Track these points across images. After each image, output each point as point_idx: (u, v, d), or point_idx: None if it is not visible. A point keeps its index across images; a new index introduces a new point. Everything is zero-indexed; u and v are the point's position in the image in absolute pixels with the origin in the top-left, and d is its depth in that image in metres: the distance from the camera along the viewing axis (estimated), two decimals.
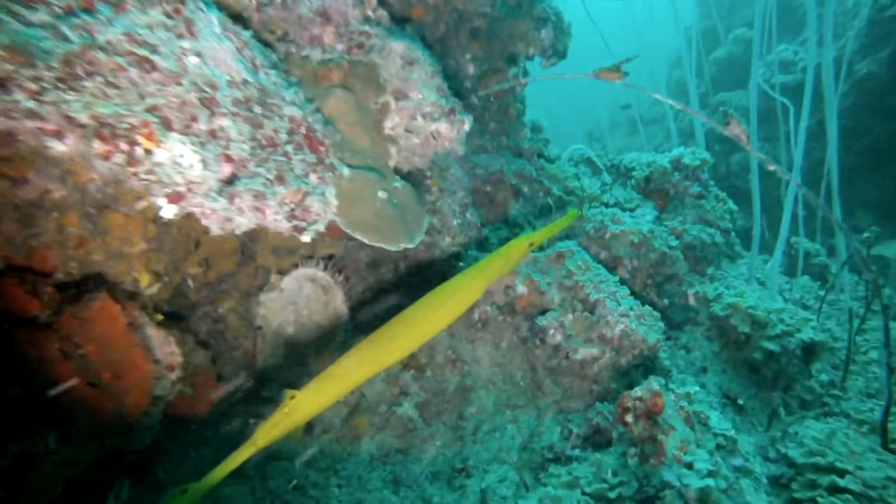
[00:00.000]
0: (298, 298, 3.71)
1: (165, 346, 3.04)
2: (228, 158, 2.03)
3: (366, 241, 2.43)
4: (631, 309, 3.67)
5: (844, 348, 5.74)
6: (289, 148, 2.28)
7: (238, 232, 2.05)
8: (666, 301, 4.49)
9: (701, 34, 9.54)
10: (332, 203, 2.35)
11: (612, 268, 4.29)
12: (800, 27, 11.15)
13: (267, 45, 2.93)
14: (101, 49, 1.77)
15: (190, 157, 1.89)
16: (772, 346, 4.20)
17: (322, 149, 2.45)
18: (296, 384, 3.23)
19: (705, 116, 3.39)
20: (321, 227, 2.30)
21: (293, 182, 2.19)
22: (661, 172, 5.01)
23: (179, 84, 1.95)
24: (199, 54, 2.06)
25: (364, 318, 3.99)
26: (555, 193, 4.63)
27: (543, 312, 3.84)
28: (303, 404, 2.34)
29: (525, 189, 4.57)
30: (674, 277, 4.57)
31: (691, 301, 4.45)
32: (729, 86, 11.07)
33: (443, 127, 2.92)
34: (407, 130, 2.91)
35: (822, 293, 6.99)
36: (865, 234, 6.21)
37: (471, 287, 2.56)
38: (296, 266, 3.58)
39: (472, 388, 3.92)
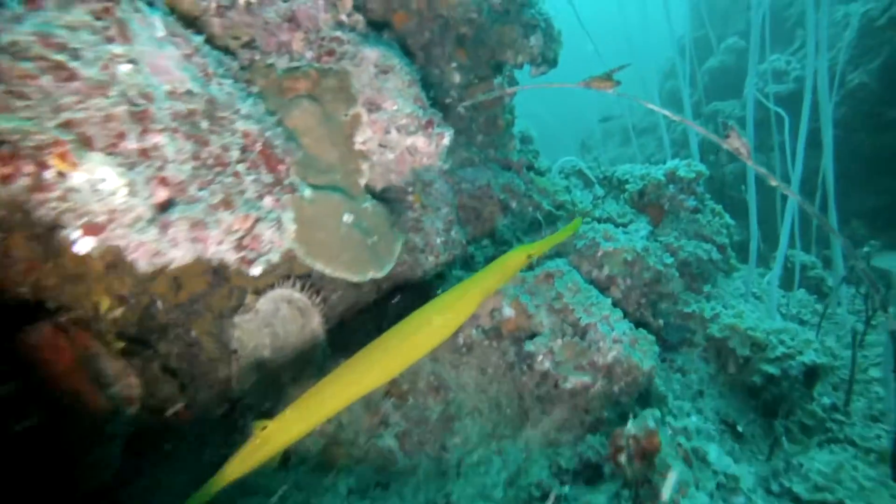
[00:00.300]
0: (275, 321, 3.41)
1: (123, 378, 2.74)
2: (163, 181, 1.73)
3: (327, 272, 2.13)
4: (624, 334, 3.38)
5: (844, 366, 5.47)
6: (240, 167, 1.99)
7: (173, 267, 1.74)
8: (661, 321, 4.20)
9: (693, 43, 9.30)
10: (288, 229, 2.05)
11: (604, 287, 4.00)
12: (789, 38, 10.95)
13: (228, 51, 2.64)
14: (2, 51, 1.47)
15: (114, 180, 1.59)
16: (772, 369, 3.92)
17: (281, 167, 2.16)
18: (271, 411, 2.92)
19: (702, 128, 3.10)
20: (275, 258, 2.00)
21: (242, 207, 1.89)
22: (656, 186, 4.72)
23: (105, 95, 1.65)
24: (133, 61, 1.76)
25: (343, 341, 3.71)
26: (544, 208, 4.34)
27: (532, 337, 3.55)
28: (275, 434, 2.12)
29: (513, 204, 4.28)
30: (669, 296, 4.28)
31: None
32: (721, 95, 10.84)
33: (420, 141, 2.62)
34: (381, 145, 2.61)
35: (818, 307, 6.73)
36: (865, 249, 5.94)
37: (462, 304, 2.32)
38: (272, 286, 3.29)
39: (457, 417, 3.62)
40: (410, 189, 3.71)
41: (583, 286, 3.54)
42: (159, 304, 2.90)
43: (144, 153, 1.70)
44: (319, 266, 2.10)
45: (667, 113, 3.06)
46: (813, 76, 4.76)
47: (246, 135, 2.07)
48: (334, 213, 2.21)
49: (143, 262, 1.68)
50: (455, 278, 3.71)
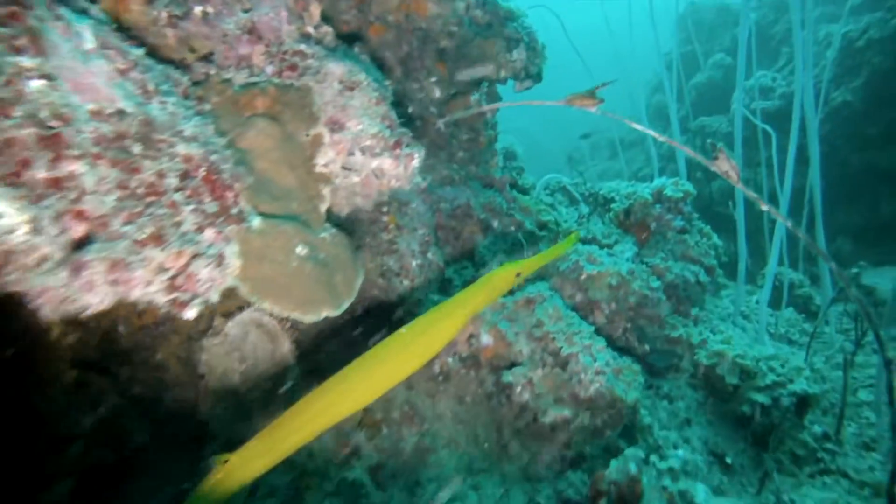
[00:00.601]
0: (244, 345, 3.16)
1: (70, 413, 2.51)
2: (79, 215, 1.49)
3: (275, 311, 1.88)
4: (607, 364, 3.15)
5: (834, 389, 5.25)
6: (178, 196, 1.74)
7: (87, 314, 1.50)
8: (647, 346, 3.96)
9: (680, 59, 9.13)
10: (231, 265, 1.80)
11: (588, 311, 3.77)
12: (775, 55, 10.82)
13: (183, 65, 2.40)
14: None
15: (11, 216, 1.34)
16: (762, 398, 3.69)
17: (229, 195, 1.91)
18: (238, 440, 2.65)
19: (689, 149, 2.87)
20: (213, 297, 1.76)
21: (176, 242, 1.65)
22: (642, 205, 4.50)
23: (6, 116, 1.40)
24: (47, 76, 1.52)
25: (316, 367, 3.46)
26: (527, 228, 4.11)
27: (511, 365, 3.32)
28: (239, 468, 1.93)
29: (495, 223, 4.05)
30: (655, 320, 4.05)
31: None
32: (709, 110, 10.67)
33: (386, 163, 2.38)
34: (344, 167, 2.37)
35: (806, 326, 6.53)
36: (854, 270, 5.74)
37: (444, 326, 2.12)
38: (241, 308, 3.05)
39: (432, 449, 3.37)
40: (385, 210, 3.48)
41: (564, 313, 3.31)
42: (121, 327, 2.66)
43: (56, 184, 1.45)
44: (266, 305, 1.85)
45: (651, 133, 2.84)
46: (800, 94, 4.56)
47: (188, 159, 1.83)
48: (286, 245, 1.97)
49: (48, 310, 1.43)
50: (431, 302, 3.47)
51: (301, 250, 2.00)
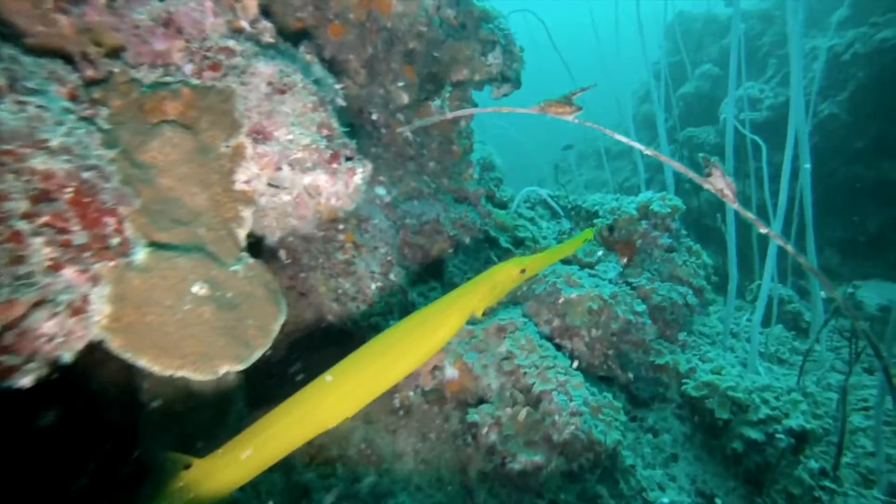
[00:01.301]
0: None
1: None
2: None
3: (155, 370, 1.44)
4: (584, 403, 2.71)
5: (828, 414, 4.84)
6: (24, 226, 1.30)
7: None
8: (630, 375, 3.53)
9: (668, 68, 8.73)
10: (97, 312, 1.36)
11: (566, 338, 3.33)
12: (762, 66, 10.46)
13: (83, 60, 1.96)
14: None
15: None
16: (754, 434, 3.26)
17: (109, 221, 1.47)
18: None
19: (678, 164, 2.43)
20: (66, 358, 1.32)
21: (4, 289, 1.20)
22: (627, 220, 4.07)
23: None
24: None
25: (265, 394, 3.02)
26: (501, 246, 3.67)
27: (479, 401, 2.89)
28: (207, 478, 1.60)
29: (467, 240, 3.61)
30: (640, 345, 3.62)
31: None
32: (696, 121, 10.27)
33: (321, 179, 1.94)
34: (271, 184, 1.93)
35: (796, 344, 6.11)
36: (849, 290, 5.33)
37: (441, 322, 1.88)
38: None
39: (391, 493, 2.93)
40: (341, 227, 3.04)
41: (538, 343, 2.87)
42: None
43: None
44: (143, 363, 1.41)
45: (636, 145, 2.41)
46: (794, 106, 4.14)
47: (46, 177, 1.39)
48: (178, 285, 1.53)
49: None
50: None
51: (199, 289, 1.56)
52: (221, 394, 2.86)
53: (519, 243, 3.82)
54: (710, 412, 3.35)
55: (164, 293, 1.49)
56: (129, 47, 2.04)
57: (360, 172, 2.02)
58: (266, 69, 1.99)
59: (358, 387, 1.76)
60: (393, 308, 3.09)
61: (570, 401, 2.66)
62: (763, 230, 2.35)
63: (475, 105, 3.91)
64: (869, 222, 8.52)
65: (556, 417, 2.62)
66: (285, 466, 2.93)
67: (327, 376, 1.73)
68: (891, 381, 2.58)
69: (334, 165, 1.95)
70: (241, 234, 1.84)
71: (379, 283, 3.05)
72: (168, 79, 1.95)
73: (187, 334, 1.48)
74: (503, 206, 4.49)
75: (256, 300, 1.71)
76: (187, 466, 1.60)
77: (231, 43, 2.09)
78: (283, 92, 1.98)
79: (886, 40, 7.97)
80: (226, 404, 2.86)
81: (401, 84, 3.42)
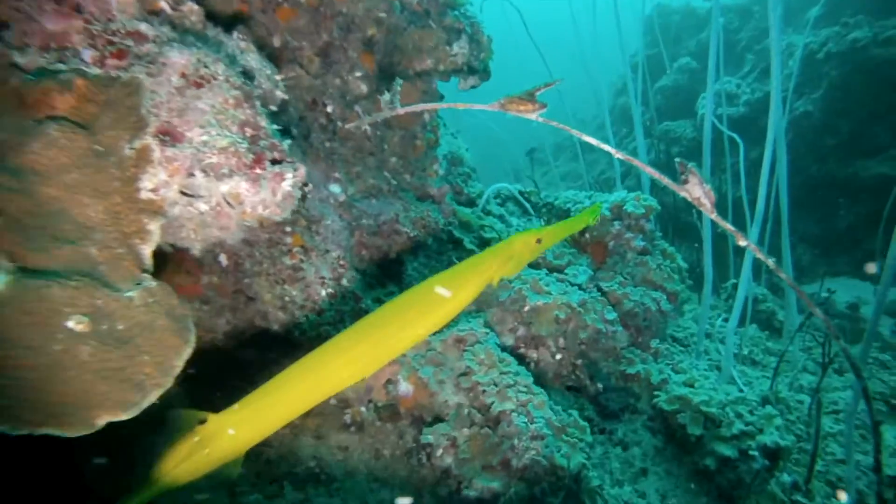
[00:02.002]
0: None
1: None
2: None
3: (16, 431, 1.14)
4: (547, 424, 2.45)
5: (799, 420, 4.65)
6: None
7: None
8: (600, 385, 3.29)
9: (647, 61, 8.46)
10: None
11: (532, 347, 3.07)
12: (739, 61, 10.25)
13: None
14: None
15: None
16: (727, 450, 3.03)
17: None
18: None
19: (658, 172, 2.16)
20: None
21: None
22: (600, 221, 3.81)
23: None
24: None
25: (206, 397, 2.73)
26: (466, 247, 3.39)
27: (436, 419, 2.62)
28: (223, 432, 1.58)
29: (428, 241, 3.32)
30: (611, 353, 3.37)
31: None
32: (674, 115, 10.04)
33: (242, 187, 1.64)
34: (184, 193, 1.62)
35: (770, 344, 5.92)
36: (824, 295, 5.12)
37: (459, 287, 1.82)
38: None
39: None
40: (288, 229, 2.74)
41: (498, 357, 2.60)
42: None
43: None
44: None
45: (607, 147, 2.14)
46: (776, 102, 3.89)
47: None
48: (48, 320, 1.22)
49: None
50: None
51: (76, 325, 1.25)
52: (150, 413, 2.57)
53: (485, 244, 3.54)
54: (682, 427, 3.11)
55: (28, 331, 1.18)
56: (12, 24, 1.71)
57: (290, 178, 1.72)
58: (179, 59, 1.68)
59: (373, 347, 1.74)
60: (344, 316, 2.80)
61: (531, 423, 2.40)
62: (741, 242, 2.09)
63: (441, 97, 3.61)
64: (840, 220, 8.40)
65: (516, 441, 2.35)
66: (230, 485, 2.66)
67: (344, 336, 1.73)
68: (868, 395, 2.36)
69: (257, 171, 1.65)
70: (146, 250, 1.53)
71: (330, 290, 2.75)
72: (60, 66, 1.63)
73: (57, 381, 1.18)
74: (472, 203, 4.20)
75: (155, 332, 1.41)
76: (202, 421, 1.57)
77: (143, 27, 1.77)
78: (199, 85, 1.66)
79: (858, 40, 7.87)
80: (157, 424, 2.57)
81: (359, 74, 3.11)
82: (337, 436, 2.84)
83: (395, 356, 1.91)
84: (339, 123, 3.13)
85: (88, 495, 2.21)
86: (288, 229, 2.69)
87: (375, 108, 3.16)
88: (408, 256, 3.20)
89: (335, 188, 3.02)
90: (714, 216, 2.03)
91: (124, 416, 1.30)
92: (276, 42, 2.84)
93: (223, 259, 2.60)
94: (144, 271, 1.52)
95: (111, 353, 1.30)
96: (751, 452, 3.03)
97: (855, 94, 7.97)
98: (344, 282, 2.81)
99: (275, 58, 2.87)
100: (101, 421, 1.25)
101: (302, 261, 2.71)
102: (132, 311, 1.39)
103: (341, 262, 2.82)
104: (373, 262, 3.16)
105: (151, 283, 1.50)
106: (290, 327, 2.69)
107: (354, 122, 2.70)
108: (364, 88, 3.15)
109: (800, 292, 2.14)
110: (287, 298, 2.68)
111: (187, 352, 1.47)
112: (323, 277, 2.74)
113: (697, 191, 2.02)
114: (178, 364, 1.43)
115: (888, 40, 7.69)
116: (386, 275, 3.22)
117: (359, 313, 2.89)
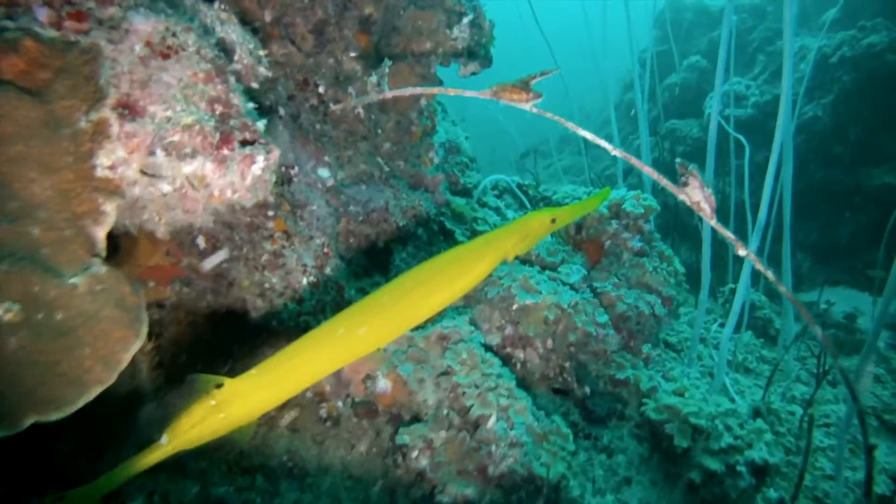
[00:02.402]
0: None
1: None
2: None
3: None
4: (528, 431, 2.33)
5: (789, 433, 4.54)
6: None
7: None
8: (587, 389, 3.17)
9: (656, 57, 8.26)
10: None
11: (519, 347, 2.95)
12: (751, 62, 10.04)
13: None
14: None
15: None
16: (714, 464, 2.92)
17: None
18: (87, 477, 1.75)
19: (656, 173, 2.02)
20: None
21: None
22: (597, 219, 3.67)
23: None
24: None
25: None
26: (457, 239, 3.26)
27: (414, 418, 2.50)
28: (239, 397, 1.59)
29: (419, 231, 3.19)
30: (601, 356, 3.25)
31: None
32: (681, 113, 9.85)
33: (207, 168, 1.50)
34: (144, 172, 1.49)
35: (764, 352, 5.80)
36: (822, 306, 4.99)
37: (475, 262, 1.85)
38: None
39: None
40: (270, 213, 2.60)
41: (481, 358, 2.48)
42: None
43: None
44: None
45: (604, 144, 2.00)
46: (787, 106, 3.73)
47: None
48: None
49: None
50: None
51: (4, 313, 1.13)
52: (130, 395, 2.47)
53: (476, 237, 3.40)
54: (669, 438, 3.00)
55: None
56: None
57: (262, 161, 1.58)
58: (145, 25, 1.53)
59: (389, 318, 1.75)
60: (326, 306, 2.67)
61: (511, 429, 2.28)
62: (741, 252, 1.95)
63: (440, 83, 3.46)
64: (841, 229, 8.24)
65: (493, 448, 2.24)
66: (201, 474, 2.55)
67: (365, 303, 1.75)
68: (862, 415, 2.24)
69: (224, 152, 1.51)
70: (99, 233, 1.39)
71: (312, 278, 2.62)
72: (7, 23, 1.48)
73: None
74: (468, 193, 4.06)
75: (100, 322, 1.28)
76: (219, 386, 1.58)
77: None
78: (165, 56, 1.52)
79: (873, 45, 7.64)
80: (134, 405, 2.47)
81: (353, 54, 2.96)
82: (314, 428, 2.73)
83: (413, 325, 1.94)
84: (331, 105, 2.98)
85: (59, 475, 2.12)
86: (270, 213, 2.55)
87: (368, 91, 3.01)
88: (396, 246, 3.07)
89: (324, 172, 2.88)
90: (713, 223, 1.89)
91: (57, 416, 1.18)
92: (268, 16, 2.69)
93: (201, 241, 2.47)
94: (95, 256, 1.39)
95: (46, 346, 1.18)
96: (738, 468, 2.92)
97: (867, 101, 7.78)
98: (327, 270, 2.68)
99: (266, 33, 2.73)
100: (27, 421, 1.12)
101: (283, 247, 2.58)
102: (75, 300, 1.27)
103: (325, 250, 2.69)
104: (360, 251, 3.03)
105: (101, 268, 1.37)
106: (268, 315, 2.56)
107: (339, 105, 2.55)
108: (359, 69, 3.00)
109: (799, 306, 2.01)
110: (266, 285, 2.55)
111: (136, 345, 1.34)
112: (305, 265, 2.61)
113: (698, 195, 1.88)
114: (125, 358, 1.31)
115: None
116: (373, 264, 3.09)
117: (341, 304, 2.76)
